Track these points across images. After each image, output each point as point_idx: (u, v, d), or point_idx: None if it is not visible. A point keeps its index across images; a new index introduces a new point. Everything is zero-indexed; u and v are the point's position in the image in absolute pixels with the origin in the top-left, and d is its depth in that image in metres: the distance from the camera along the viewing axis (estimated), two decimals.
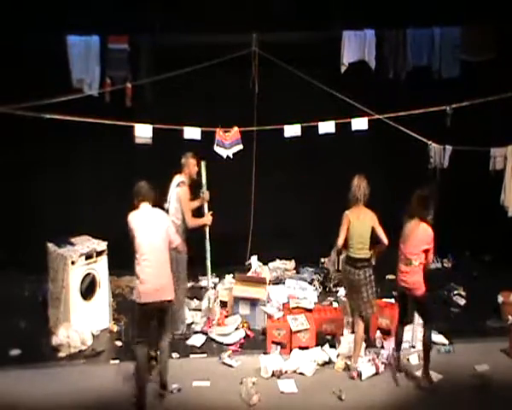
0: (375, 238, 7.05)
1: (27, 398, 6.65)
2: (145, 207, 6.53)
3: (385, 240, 6.99)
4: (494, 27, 8.60)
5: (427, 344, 6.88)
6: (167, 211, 7.39)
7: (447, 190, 8.95)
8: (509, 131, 8.63)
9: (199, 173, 7.83)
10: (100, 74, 8.31)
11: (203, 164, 7.81)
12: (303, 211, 9.41)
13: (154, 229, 6.44)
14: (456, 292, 8.78)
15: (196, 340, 7.69)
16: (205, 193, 7.91)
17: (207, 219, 7.86)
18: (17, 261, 8.91)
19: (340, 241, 7.02)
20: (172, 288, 6.56)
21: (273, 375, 7.02)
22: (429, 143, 8.51)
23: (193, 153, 7.76)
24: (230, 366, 7.22)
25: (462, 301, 8.67)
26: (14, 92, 7.83)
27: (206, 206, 7.93)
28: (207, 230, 7.87)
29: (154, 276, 6.38)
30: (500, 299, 8.24)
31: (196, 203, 7.92)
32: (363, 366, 7.08)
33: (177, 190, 7.65)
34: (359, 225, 7.05)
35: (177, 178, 7.74)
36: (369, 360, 7.21)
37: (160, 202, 7.02)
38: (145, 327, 6.45)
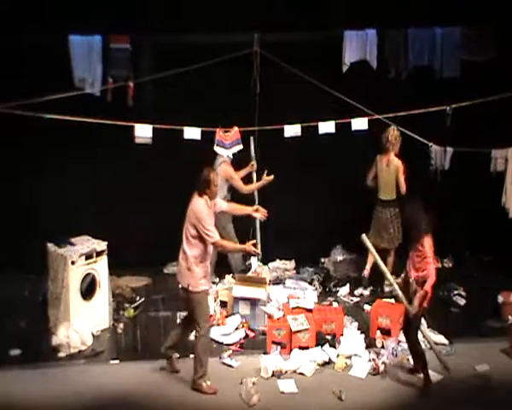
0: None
1: (27, 398, 6.65)
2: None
3: (402, 188, 8.22)
4: (495, 27, 8.59)
5: (416, 350, 6.88)
6: None
7: (448, 191, 8.98)
8: (511, 132, 8.62)
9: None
10: (102, 74, 8.31)
11: (252, 139, 8.35)
12: (303, 211, 9.41)
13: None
14: (456, 292, 8.76)
15: None
16: (254, 163, 8.42)
17: (258, 184, 8.32)
18: (17, 261, 8.91)
19: (368, 181, 8.55)
20: (186, 276, 6.69)
21: (273, 375, 7.03)
22: (430, 144, 8.50)
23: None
24: (230, 366, 7.21)
25: (462, 301, 8.66)
26: (15, 92, 7.82)
27: (254, 176, 8.45)
28: (258, 219, 8.08)
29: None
30: (500, 299, 8.23)
31: (243, 172, 8.48)
32: (363, 366, 7.10)
33: (220, 168, 8.12)
34: (386, 172, 8.38)
35: (220, 158, 8.17)
36: (370, 360, 7.22)
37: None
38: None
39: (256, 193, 8.45)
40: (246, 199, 8.13)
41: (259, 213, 7.32)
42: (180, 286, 6.82)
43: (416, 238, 6.70)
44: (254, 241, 7.14)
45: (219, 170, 8.04)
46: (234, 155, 8.36)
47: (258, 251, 7.75)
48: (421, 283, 6.70)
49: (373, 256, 7.07)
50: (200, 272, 6.72)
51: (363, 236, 7.07)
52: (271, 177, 8.20)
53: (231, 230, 8.43)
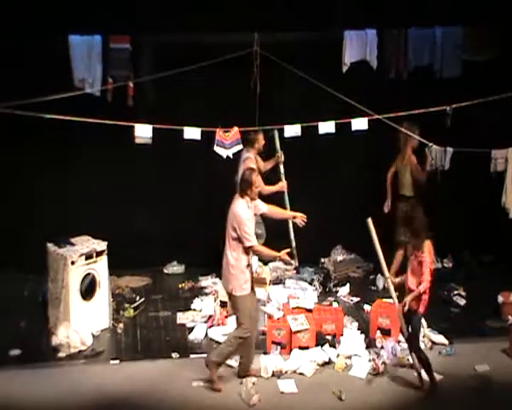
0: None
1: (27, 398, 6.66)
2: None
3: (419, 180, 8.50)
4: (496, 27, 8.58)
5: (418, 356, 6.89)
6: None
7: (448, 191, 8.98)
8: (511, 132, 8.61)
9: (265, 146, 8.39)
10: (102, 74, 8.31)
11: (276, 132, 8.33)
12: (303, 211, 9.36)
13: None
14: (456, 292, 8.77)
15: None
16: (280, 155, 8.40)
17: (281, 184, 8.30)
18: (17, 261, 8.91)
19: (388, 174, 8.79)
20: (230, 280, 6.75)
21: (273, 375, 7.03)
22: (430, 144, 8.50)
23: (261, 129, 8.27)
24: (230, 366, 7.21)
25: (462, 301, 8.66)
26: (15, 92, 7.81)
27: (282, 168, 8.48)
28: (290, 223, 8.12)
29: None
30: (500, 299, 8.23)
31: (269, 165, 8.52)
32: (363, 366, 7.11)
33: (244, 164, 8.09)
34: (403, 168, 8.63)
35: (245, 154, 8.21)
36: (369, 360, 7.22)
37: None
38: None
39: (287, 198, 8.39)
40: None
41: (299, 219, 7.29)
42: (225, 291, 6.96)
43: (417, 244, 6.71)
44: (289, 250, 7.16)
45: (242, 166, 8.06)
46: (234, 154, 8.35)
47: (292, 261, 7.85)
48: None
49: (375, 245, 7.02)
50: (244, 275, 6.76)
51: (369, 219, 7.00)
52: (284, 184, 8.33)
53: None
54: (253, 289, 6.97)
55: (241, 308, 6.80)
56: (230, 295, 6.86)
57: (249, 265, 6.82)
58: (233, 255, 6.72)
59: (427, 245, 6.72)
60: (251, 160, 8.25)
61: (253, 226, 6.78)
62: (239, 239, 6.66)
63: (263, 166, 8.53)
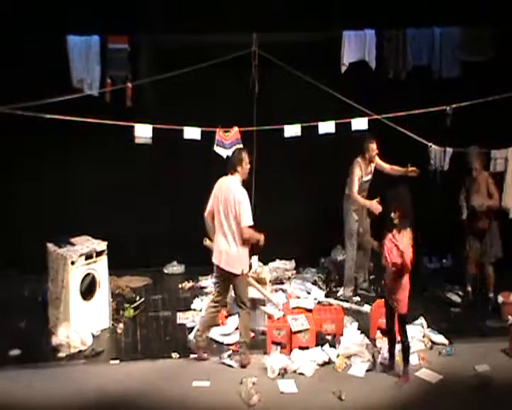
0: None
1: (27, 398, 6.65)
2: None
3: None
4: (494, 27, 8.58)
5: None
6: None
7: (447, 191, 8.96)
8: (510, 132, 8.61)
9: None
10: (100, 74, 8.31)
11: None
12: (303, 211, 9.40)
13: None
14: (456, 292, 8.76)
15: None
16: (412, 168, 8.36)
17: (370, 203, 8.28)
18: (17, 261, 8.91)
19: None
20: (238, 261, 6.95)
21: (278, 373, 7.03)
22: (429, 145, 8.50)
23: (373, 137, 8.34)
24: (230, 366, 7.21)
25: (459, 300, 8.64)
26: (14, 92, 7.82)
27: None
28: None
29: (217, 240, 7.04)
30: (500, 299, 8.23)
31: (397, 171, 8.48)
32: (363, 366, 7.11)
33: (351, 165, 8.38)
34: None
35: (357, 159, 8.41)
36: (369, 360, 7.22)
37: None
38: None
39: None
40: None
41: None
42: (221, 271, 7.04)
43: (402, 227, 6.69)
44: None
45: (350, 168, 8.40)
46: None
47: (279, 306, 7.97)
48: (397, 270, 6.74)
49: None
50: (247, 251, 6.99)
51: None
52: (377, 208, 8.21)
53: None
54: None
55: (242, 286, 7.06)
56: (236, 276, 6.99)
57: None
58: (235, 237, 6.88)
59: (408, 234, 6.72)
60: (357, 162, 8.41)
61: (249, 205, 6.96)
62: (236, 218, 6.84)
63: (389, 168, 8.57)
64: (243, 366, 7.14)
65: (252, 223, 6.96)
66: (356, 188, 8.37)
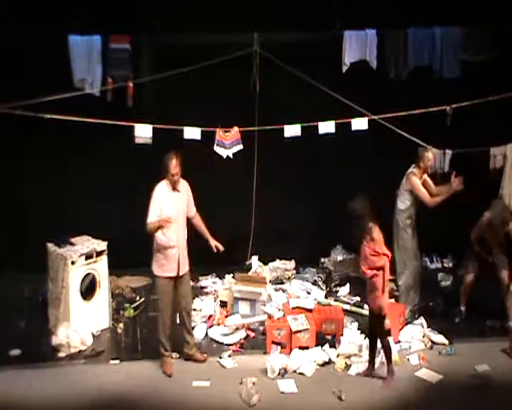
0: None
1: (27, 398, 6.65)
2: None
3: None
4: (495, 27, 8.59)
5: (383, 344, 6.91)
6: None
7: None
8: (510, 131, 8.61)
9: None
10: (101, 74, 8.31)
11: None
12: (303, 211, 9.41)
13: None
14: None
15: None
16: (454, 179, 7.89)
17: (445, 195, 7.85)
18: (17, 261, 8.92)
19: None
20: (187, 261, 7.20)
21: (278, 373, 7.03)
22: (429, 147, 8.49)
23: (427, 147, 8.12)
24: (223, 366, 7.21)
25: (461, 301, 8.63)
26: (15, 92, 7.82)
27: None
28: None
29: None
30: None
31: (443, 191, 7.93)
32: (363, 366, 7.11)
33: (407, 178, 7.95)
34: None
35: (410, 169, 8.00)
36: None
37: None
38: None
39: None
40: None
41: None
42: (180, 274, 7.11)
43: (364, 232, 6.74)
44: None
45: (406, 180, 7.94)
46: (234, 154, 8.33)
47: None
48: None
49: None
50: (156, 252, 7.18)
51: None
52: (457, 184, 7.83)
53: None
54: None
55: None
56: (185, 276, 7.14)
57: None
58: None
59: (375, 230, 6.73)
60: (414, 174, 7.92)
61: (157, 208, 6.95)
62: None
63: (435, 189, 8.07)
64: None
65: (150, 220, 6.97)
66: (427, 195, 7.88)
